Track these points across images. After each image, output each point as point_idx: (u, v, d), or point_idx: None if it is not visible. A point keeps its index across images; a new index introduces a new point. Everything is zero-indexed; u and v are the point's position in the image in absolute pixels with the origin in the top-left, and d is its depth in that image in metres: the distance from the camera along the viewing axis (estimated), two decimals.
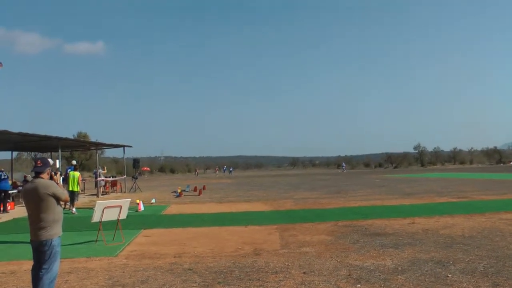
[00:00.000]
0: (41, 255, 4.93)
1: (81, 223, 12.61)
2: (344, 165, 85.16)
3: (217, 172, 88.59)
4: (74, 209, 16.21)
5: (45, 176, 5.12)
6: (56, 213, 4.99)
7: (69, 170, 18.69)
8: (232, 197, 21.86)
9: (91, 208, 12.42)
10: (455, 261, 6.83)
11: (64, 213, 5.44)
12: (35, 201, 4.91)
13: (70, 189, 16.56)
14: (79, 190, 17.06)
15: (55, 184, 5.21)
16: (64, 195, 5.14)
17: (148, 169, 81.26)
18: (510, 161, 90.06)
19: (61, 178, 18.15)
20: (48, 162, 5.30)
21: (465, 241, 8.43)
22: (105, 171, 28.17)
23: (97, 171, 26.12)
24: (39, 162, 5.16)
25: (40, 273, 4.88)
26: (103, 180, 25.89)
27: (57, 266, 5.04)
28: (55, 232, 4.96)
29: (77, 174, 17.21)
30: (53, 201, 4.96)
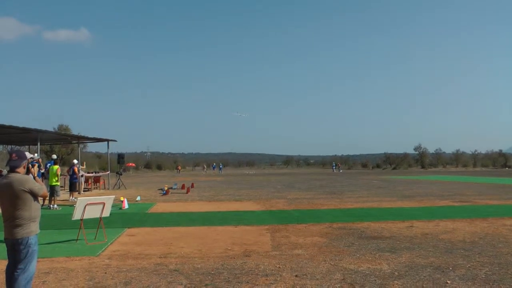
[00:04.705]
0: (16, 254, 4.86)
1: (61, 221, 12.54)
2: (334, 165, 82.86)
3: (205, 169, 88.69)
4: (56, 206, 16.22)
5: (21, 170, 5.00)
6: (33, 210, 4.91)
7: (49, 165, 18.59)
8: (222, 195, 21.86)
9: (72, 205, 12.34)
10: (455, 267, 6.86)
11: (42, 210, 5.37)
12: (10, 198, 4.82)
13: (49, 183, 16.56)
14: (58, 184, 17.00)
15: (32, 179, 5.11)
16: (42, 190, 5.04)
17: (134, 165, 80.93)
18: None
19: (40, 172, 17.98)
20: (25, 155, 5.15)
21: (466, 246, 8.47)
22: (84, 166, 28.01)
23: (73, 167, 25.76)
24: (14, 155, 5.00)
25: (16, 273, 4.81)
26: (83, 175, 25.71)
27: (34, 266, 4.98)
28: (31, 230, 4.89)
29: (55, 167, 17.20)
30: (30, 197, 4.87)
